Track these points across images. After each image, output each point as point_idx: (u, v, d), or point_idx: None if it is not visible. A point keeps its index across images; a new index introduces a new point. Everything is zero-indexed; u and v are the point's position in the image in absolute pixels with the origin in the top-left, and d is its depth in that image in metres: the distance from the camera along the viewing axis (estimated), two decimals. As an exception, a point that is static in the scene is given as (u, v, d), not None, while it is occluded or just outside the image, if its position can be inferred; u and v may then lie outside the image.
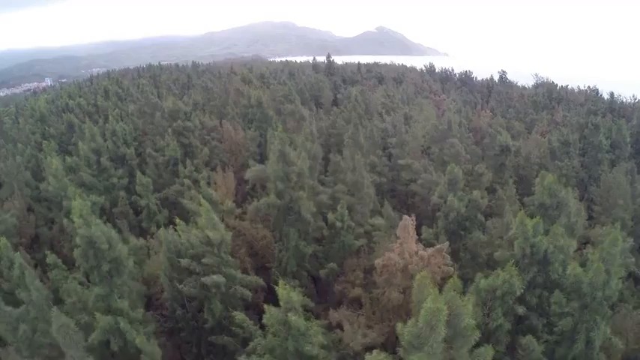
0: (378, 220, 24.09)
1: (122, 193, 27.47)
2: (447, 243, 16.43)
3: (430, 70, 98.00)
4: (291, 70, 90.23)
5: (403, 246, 15.63)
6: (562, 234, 15.44)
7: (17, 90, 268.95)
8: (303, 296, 21.73)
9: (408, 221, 15.85)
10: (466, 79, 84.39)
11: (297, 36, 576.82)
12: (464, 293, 21.74)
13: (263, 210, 21.13)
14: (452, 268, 16.27)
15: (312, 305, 21.83)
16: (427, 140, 34.99)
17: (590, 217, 29.47)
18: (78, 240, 14.09)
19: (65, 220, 17.82)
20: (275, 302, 22.93)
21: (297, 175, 19.87)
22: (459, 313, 9.18)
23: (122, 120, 38.86)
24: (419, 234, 31.50)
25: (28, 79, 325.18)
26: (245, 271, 23.03)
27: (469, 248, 23.29)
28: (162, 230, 22.25)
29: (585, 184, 30.64)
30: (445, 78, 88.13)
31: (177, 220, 18.05)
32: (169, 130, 30.23)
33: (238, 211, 26.12)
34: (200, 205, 17.59)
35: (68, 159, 27.69)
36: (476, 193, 21.46)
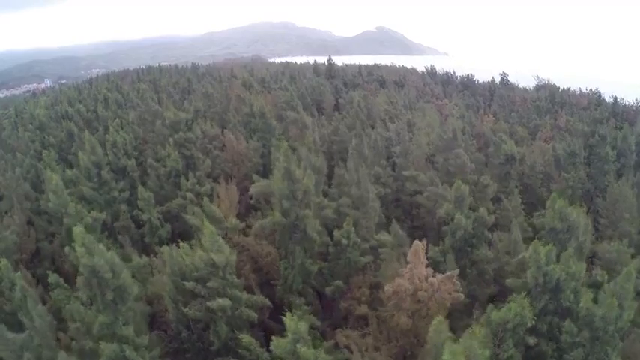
0: (385, 236, 23.80)
1: (123, 207, 27.15)
2: (457, 270, 16.12)
3: (431, 72, 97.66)
4: (292, 73, 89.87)
5: (413, 271, 15.35)
6: (573, 260, 15.16)
7: (17, 91, 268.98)
8: (309, 314, 21.57)
9: (419, 246, 15.57)
10: (468, 82, 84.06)
11: (296, 36, 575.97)
12: (471, 311, 21.64)
13: (268, 228, 20.84)
14: (462, 295, 15.97)
15: (319, 324, 21.62)
16: (432, 149, 34.68)
17: (595, 229, 29.13)
18: (81, 269, 13.78)
19: (67, 248, 17.49)
20: (280, 319, 22.61)
21: (302, 193, 19.57)
22: (478, 361, 8.90)
23: (122, 129, 38.50)
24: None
25: (27, 80, 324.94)
26: (250, 288, 22.74)
27: (476, 264, 23.02)
28: (166, 249, 21.93)
29: (591, 195, 30.34)
30: (447, 81, 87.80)
31: (182, 244, 17.74)
32: (171, 140, 29.91)
33: (242, 225, 25.81)
34: (203, 223, 17.28)
35: (68, 172, 27.40)
36: (482, 211, 21.20)
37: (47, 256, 26.74)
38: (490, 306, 14.09)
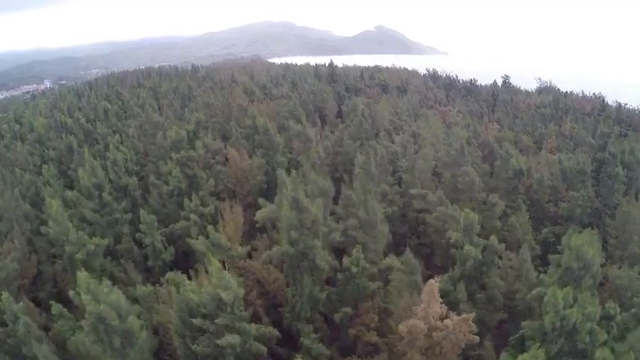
0: (393, 260, 23.33)
1: (126, 229, 26.68)
2: (474, 314, 15.71)
3: (433, 76, 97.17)
4: (293, 77, 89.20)
5: (428, 310, 14.94)
6: (589, 300, 14.75)
7: (16, 92, 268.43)
8: (318, 343, 21.16)
9: (434, 285, 15.15)
10: (471, 86, 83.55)
11: (296, 36, 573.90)
12: (481, 341, 21.18)
13: (276, 258, 20.41)
14: (477, 337, 15.54)
15: (327, 353, 21.21)
16: (439, 165, 34.19)
17: (604, 248, 28.46)
18: (87, 316, 13.31)
19: (71, 292, 17.04)
20: (287, 344, 22.10)
21: (311, 222, 19.11)
22: None
23: (122, 143, 37.97)
24: (432, 265, 30.94)
25: (27, 81, 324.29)
26: (257, 315, 22.33)
27: (486, 290, 22.57)
28: (171, 278, 21.51)
29: (600, 213, 29.86)
30: (449, 85, 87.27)
31: (188, 282, 17.27)
32: (173, 157, 29.42)
33: (248, 248, 25.36)
34: (210, 259, 16.82)
35: (69, 193, 26.90)
36: (492, 238, 20.79)
37: (49, 279, 26.26)
38: (504, 354, 13.65)
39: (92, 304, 13.09)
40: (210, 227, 21.15)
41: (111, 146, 29.97)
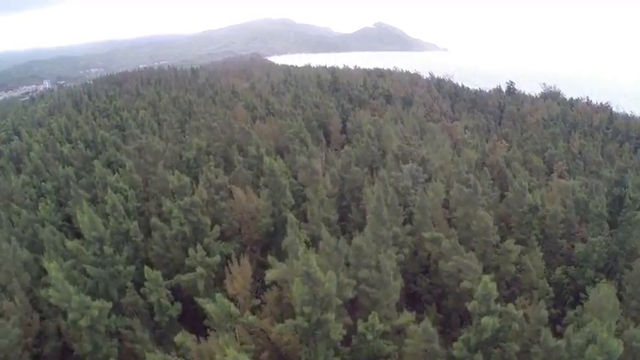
0: (408, 317, 22.48)
1: (129, 282, 25.76)
2: None
3: (437, 84, 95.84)
4: (295, 89, 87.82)
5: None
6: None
7: (15, 93, 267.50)
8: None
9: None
10: (476, 97, 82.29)
11: (295, 33, 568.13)
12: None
13: (290, 331, 19.57)
14: None
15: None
16: (452, 203, 33.17)
17: (619, 295, 27.26)
18: None
19: None
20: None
21: (324, 294, 18.21)
22: None
23: (121, 177, 36.95)
24: (444, 308, 30.06)
25: (26, 81, 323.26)
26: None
27: (502, 349, 21.70)
28: (180, 340, 20.71)
29: (615, 255, 28.92)
30: (455, 94, 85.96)
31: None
32: (176, 204, 28.45)
33: (257, 302, 24.55)
34: (227, 349, 15.94)
35: (69, 243, 25.94)
36: (510, 307, 19.93)
37: (53, 334, 25.31)
38: None
39: None
40: (218, 296, 20.22)
41: (109, 190, 29.00)
